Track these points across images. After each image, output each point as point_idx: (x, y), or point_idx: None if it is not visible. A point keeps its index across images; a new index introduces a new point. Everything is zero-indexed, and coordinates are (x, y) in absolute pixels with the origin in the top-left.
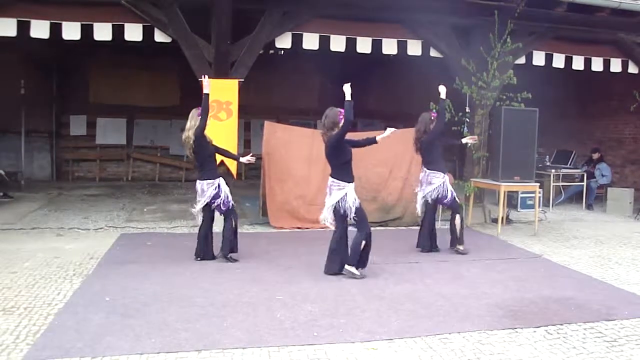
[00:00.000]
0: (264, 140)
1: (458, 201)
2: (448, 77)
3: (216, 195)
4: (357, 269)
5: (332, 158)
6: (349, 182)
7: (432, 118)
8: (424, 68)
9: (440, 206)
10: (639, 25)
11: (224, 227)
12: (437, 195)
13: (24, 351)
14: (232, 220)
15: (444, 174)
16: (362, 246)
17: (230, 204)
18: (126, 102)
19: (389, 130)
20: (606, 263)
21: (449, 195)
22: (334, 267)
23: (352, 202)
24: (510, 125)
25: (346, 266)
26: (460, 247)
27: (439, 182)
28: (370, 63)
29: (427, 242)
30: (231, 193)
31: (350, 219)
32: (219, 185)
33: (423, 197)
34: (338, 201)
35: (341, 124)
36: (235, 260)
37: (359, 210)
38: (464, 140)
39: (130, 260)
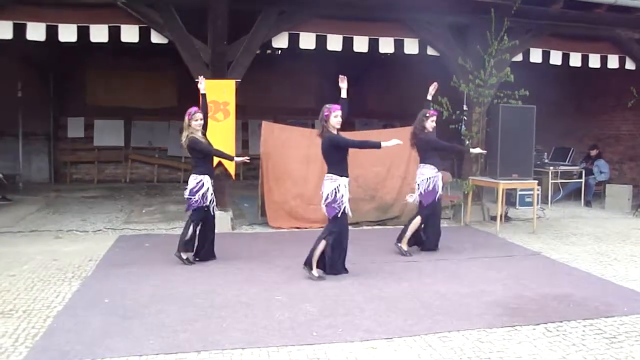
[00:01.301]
0: (261, 141)
1: (438, 206)
2: (445, 75)
3: (194, 190)
4: (317, 268)
5: (328, 156)
6: (342, 176)
7: (427, 115)
8: (421, 67)
9: (441, 203)
10: (636, 21)
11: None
12: (426, 187)
13: (23, 354)
14: (193, 222)
15: (438, 169)
16: (322, 247)
17: (199, 205)
18: (124, 103)
19: (394, 141)
20: (605, 260)
21: (433, 192)
22: (337, 267)
23: (343, 194)
24: (508, 123)
25: (304, 265)
26: (401, 245)
27: (430, 174)
28: (367, 62)
29: (434, 239)
30: (219, 194)
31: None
32: (200, 182)
33: (418, 190)
34: (328, 194)
35: (330, 121)
36: (191, 263)
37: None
38: (472, 151)
39: (129, 261)
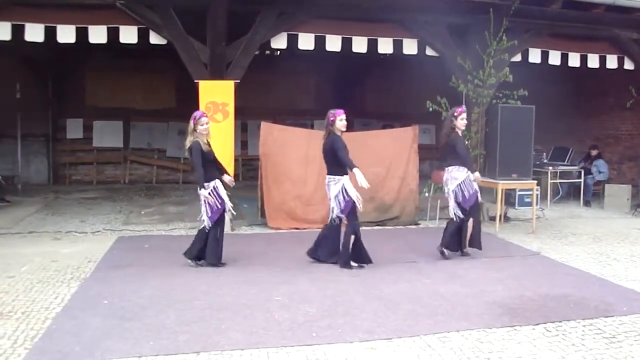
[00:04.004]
0: (260, 141)
1: (479, 202)
2: (444, 75)
3: (208, 200)
4: (352, 262)
5: (329, 157)
6: (342, 175)
7: (456, 114)
8: (420, 67)
9: (456, 204)
10: (634, 21)
11: (209, 235)
12: (461, 191)
13: (22, 356)
14: (218, 229)
15: (468, 169)
16: (352, 241)
17: (220, 213)
18: (122, 104)
19: (362, 180)
20: (604, 259)
21: (472, 193)
22: (320, 253)
23: (352, 191)
24: (507, 123)
25: (342, 267)
26: (465, 250)
27: (462, 177)
28: (367, 63)
29: (458, 242)
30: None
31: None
32: (213, 189)
33: (451, 197)
34: (336, 195)
35: (336, 125)
36: (224, 264)
37: (353, 203)
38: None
39: (128, 263)
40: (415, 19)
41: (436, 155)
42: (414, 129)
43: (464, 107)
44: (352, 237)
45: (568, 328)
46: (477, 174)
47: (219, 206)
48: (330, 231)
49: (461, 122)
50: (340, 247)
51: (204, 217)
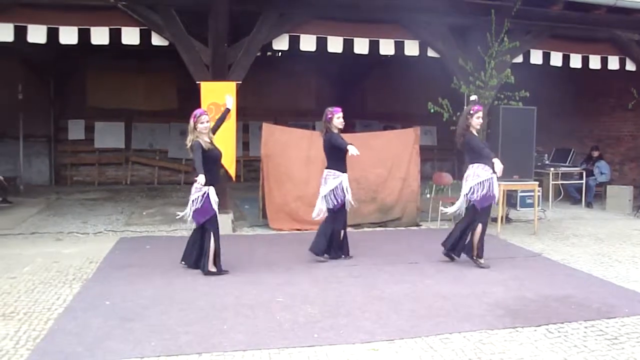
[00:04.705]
0: (262, 142)
1: (490, 208)
2: (446, 76)
3: (198, 201)
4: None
5: (329, 153)
6: (343, 172)
7: (472, 112)
8: (422, 68)
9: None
10: (636, 22)
11: (204, 241)
12: (482, 191)
13: (24, 356)
14: (210, 234)
15: (493, 170)
16: (331, 232)
17: (210, 215)
18: (124, 105)
19: (353, 149)
20: (606, 261)
21: (490, 196)
22: (320, 247)
23: (346, 187)
24: (508, 124)
25: (310, 249)
26: (480, 260)
27: (485, 176)
28: (368, 64)
29: (462, 246)
30: (219, 196)
31: (348, 203)
32: (205, 194)
33: (466, 193)
34: (333, 189)
35: (333, 122)
36: (226, 272)
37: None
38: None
39: (130, 263)
40: (417, 20)
41: (438, 156)
42: (415, 130)
43: (480, 106)
44: (331, 229)
45: (570, 329)
46: (497, 160)
47: (207, 208)
48: (326, 227)
49: (476, 121)
50: (315, 235)
51: (187, 210)
